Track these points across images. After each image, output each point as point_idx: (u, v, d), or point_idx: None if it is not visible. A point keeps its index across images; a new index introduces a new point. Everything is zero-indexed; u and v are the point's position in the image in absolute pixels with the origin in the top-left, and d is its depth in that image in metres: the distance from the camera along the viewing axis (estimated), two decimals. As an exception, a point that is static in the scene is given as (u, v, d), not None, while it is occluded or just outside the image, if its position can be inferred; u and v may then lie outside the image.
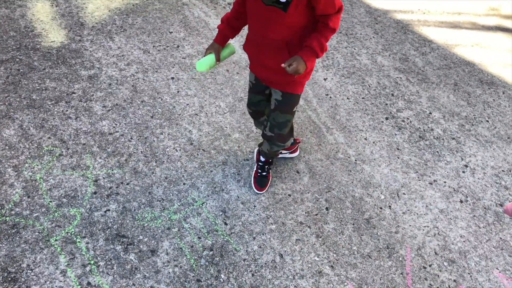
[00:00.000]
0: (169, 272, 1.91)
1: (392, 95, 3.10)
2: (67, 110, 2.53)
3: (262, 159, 2.28)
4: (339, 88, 3.07)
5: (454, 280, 2.09)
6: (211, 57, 1.85)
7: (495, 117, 3.07)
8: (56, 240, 1.95)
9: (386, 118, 2.90)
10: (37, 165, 2.23)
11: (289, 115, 1.97)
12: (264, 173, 2.32)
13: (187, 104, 2.73)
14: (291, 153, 2.50)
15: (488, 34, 3.98)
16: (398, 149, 2.70)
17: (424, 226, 2.30)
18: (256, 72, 1.94)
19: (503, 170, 2.69)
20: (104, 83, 2.75)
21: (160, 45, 3.14)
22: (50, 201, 2.09)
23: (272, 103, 1.98)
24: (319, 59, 3.31)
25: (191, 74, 2.95)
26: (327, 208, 2.28)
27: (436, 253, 2.19)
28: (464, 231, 2.31)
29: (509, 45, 3.87)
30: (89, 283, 1.82)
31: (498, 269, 2.17)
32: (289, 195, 2.32)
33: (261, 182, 2.32)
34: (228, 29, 1.88)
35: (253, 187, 2.32)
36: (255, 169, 2.37)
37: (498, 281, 2.11)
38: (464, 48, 3.73)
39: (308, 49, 1.66)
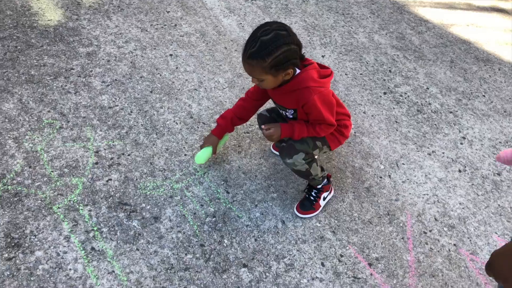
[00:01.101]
0: (172, 238, 1.92)
1: (390, 71, 3.12)
2: (66, 85, 2.53)
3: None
4: (337, 64, 3.09)
5: (454, 244, 2.11)
6: (209, 151, 2.10)
7: (491, 92, 3.11)
8: (58, 207, 1.95)
9: (384, 93, 2.92)
10: (38, 137, 2.23)
11: (309, 139, 1.95)
12: (311, 197, 2.14)
13: (186, 80, 2.73)
14: (330, 193, 2.22)
15: (483, 15, 4.02)
16: (396, 122, 2.73)
17: (424, 194, 2.32)
18: None
19: (500, 142, 2.72)
20: (103, 59, 2.75)
21: (157, 24, 3.14)
22: (52, 171, 2.09)
23: None
24: (317, 41, 3.32)
25: (189, 52, 2.95)
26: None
27: (436, 219, 2.21)
28: (463, 198, 2.34)
29: (504, 24, 3.92)
30: (93, 248, 1.83)
31: (497, 233, 2.20)
32: (290, 165, 2.33)
33: (303, 205, 2.14)
34: (229, 126, 2.11)
35: (295, 207, 2.15)
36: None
37: (497, 245, 2.14)
38: (460, 28, 3.77)
39: (291, 126, 1.89)
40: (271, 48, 1.63)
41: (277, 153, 2.39)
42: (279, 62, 1.66)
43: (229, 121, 2.09)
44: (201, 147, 2.14)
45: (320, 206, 2.14)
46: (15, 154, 2.13)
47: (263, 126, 1.94)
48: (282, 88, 1.81)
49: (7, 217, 1.87)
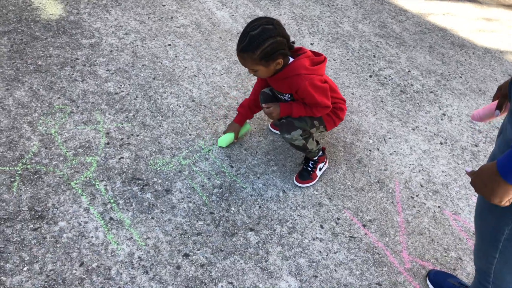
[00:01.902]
0: (184, 207, 2.09)
1: (374, 56, 3.35)
2: (73, 74, 2.67)
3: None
4: (325, 51, 3.30)
5: (439, 207, 2.34)
6: (231, 136, 2.38)
7: (467, 73, 3.36)
8: (76, 183, 2.10)
9: (370, 76, 3.15)
10: (51, 121, 2.37)
11: (308, 118, 2.13)
12: (309, 168, 2.31)
13: (186, 67, 2.90)
14: (325, 164, 2.40)
15: (457, 4, 4.29)
16: (382, 101, 2.95)
17: (410, 164, 2.54)
18: None
19: (476, 117, 2.97)
20: (105, 50, 2.90)
21: (154, 17, 3.30)
22: (67, 151, 2.23)
23: None
24: (306, 30, 3.53)
25: (187, 41, 3.12)
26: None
27: (421, 185, 2.43)
28: (445, 167, 2.57)
29: (477, 13, 4.20)
30: (111, 218, 1.98)
31: (475, 195, 2.43)
32: (287, 141, 2.52)
33: (301, 175, 2.31)
34: (248, 112, 2.37)
35: (294, 178, 2.33)
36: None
37: (476, 206, 2.37)
38: (437, 16, 4.03)
39: (290, 105, 2.08)
40: (258, 41, 1.86)
41: (275, 131, 2.58)
42: (267, 53, 1.89)
43: (247, 108, 2.35)
44: (224, 133, 2.41)
45: (317, 176, 2.34)
46: (31, 136, 2.26)
47: (263, 105, 2.15)
48: (277, 76, 2.03)
49: (29, 192, 2.02)
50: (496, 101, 1.50)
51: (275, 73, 2.02)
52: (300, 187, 2.30)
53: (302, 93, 2.00)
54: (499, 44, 3.85)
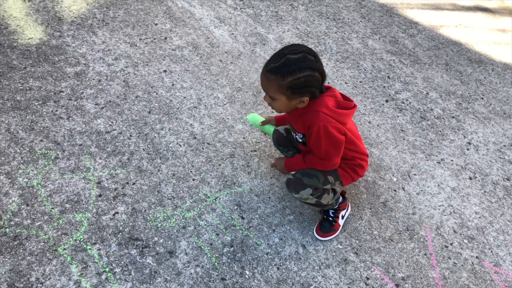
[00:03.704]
0: (191, 273, 1.80)
1: (388, 77, 3.08)
2: (57, 110, 2.35)
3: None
4: (335, 73, 3.01)
5: (477, 257, 2.08)
6: (260, 119, 2.18)
7: (489, 94, 3.11)
8: (64, 249, 1.79)
9: (386, 101, 2.87)
10: (32, 170, 2.05)
11: (320, 173, 1.85)
12: (330, 218, 2.04)
13: (184, 97, 2.59)
14: (347, 210, 2.13)
15: (469, 14, 4.04)
16: (402, 130, 2.68)
17: (439, 205, 2.28)
18: None
19: (504, 145, 2.71)
20: (93, 79, 2.58)
21: (146, 38, 2.98)
22: (52, 208, 1.92)
23: None
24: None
25: (184, 66, 2.81)
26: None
27: (455, 231, 2.17)
28: (478, 207, 2.31)
29: (490, 24, 3.95)
30: (107, 292, 1.68)
31: (516, 242, 2.18)
32: (303, 184, 2.24)
33: (322, 227, 2.04)
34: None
35: (314, 230, 2.06)
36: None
37: (518, 254, 2.12)
38: (449, 29, 3.77)
39: (294, 159, 1.91)
40: (294, 68, 1.56)
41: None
42: (298, 84, 1.59)
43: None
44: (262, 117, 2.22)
45: (340, 225, 2.06)
46: (9, 191, 1.95)
47: (272, 161, 2.05)
48: (295, 110, 1.75)
49: (8, 264, 1.70)
50: None
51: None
52: (322, 240, 2.02)
53: (311, 132, 1.69)
54: (516, 57, 3.61)
